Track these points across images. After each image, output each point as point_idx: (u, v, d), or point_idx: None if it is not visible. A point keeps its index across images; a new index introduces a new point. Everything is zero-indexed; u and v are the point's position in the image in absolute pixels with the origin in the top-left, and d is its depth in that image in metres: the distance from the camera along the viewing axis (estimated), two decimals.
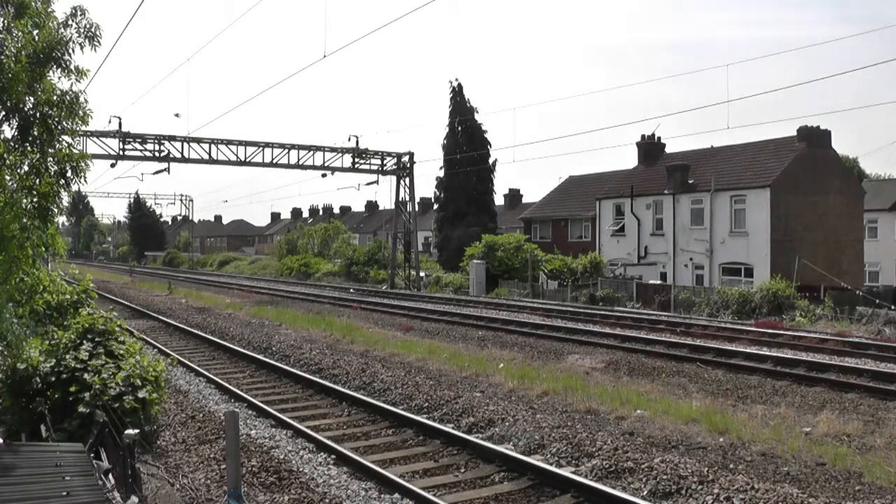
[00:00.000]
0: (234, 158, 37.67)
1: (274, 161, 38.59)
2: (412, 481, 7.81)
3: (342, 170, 40.57)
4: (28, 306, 8.99)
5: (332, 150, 40.02)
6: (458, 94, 50.39)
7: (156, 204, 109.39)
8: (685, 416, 10.38)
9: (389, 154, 41.93)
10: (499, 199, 56.87)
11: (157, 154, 35.89)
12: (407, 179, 42.81)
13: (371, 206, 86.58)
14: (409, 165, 42.54)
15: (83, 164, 7.94)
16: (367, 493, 7.48)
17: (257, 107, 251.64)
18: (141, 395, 8.58)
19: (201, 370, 14.40)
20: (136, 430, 6.81)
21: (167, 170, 37.28)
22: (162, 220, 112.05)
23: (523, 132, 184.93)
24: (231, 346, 17.88)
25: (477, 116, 50.31)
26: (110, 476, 6.30)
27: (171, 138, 36.02)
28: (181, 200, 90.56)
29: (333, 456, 8.68)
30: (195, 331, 21.09)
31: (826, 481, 7.93)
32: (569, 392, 12.17)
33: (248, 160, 37.87)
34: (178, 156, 36.25)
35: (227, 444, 6.83)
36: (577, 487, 7.46)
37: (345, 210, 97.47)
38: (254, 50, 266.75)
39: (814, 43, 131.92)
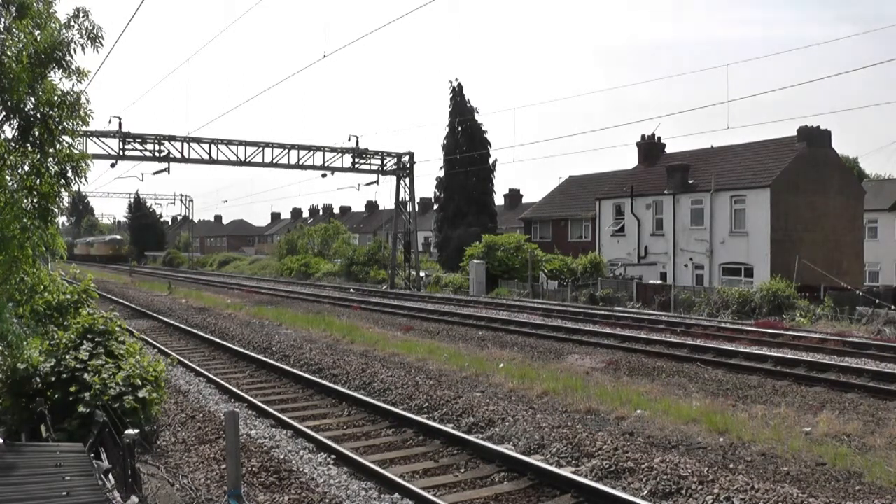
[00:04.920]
0: (234, 158, 37.67)
1: (274, 161, 38.59)
2: (412, 481, 7.82)
3: (342, 170, 40.58)
4: (28, 306, 8.99)
5: (332, 150, 40.03)
6: (458, 94, 50.43)
7: (156, 204, 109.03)
8: (685, 416, 10.39)
9: (389, 154, 41.93)
10: (499, 199, 56.97)
11: (157, 154, 35.89)
12: (407, 179, 42.81)
13: (371, 206, 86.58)
14: (409, 165, 42.54)
15: (83, 164, 7.94)
16: (367, 493, 7.48)
17: (257, 107, 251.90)
18: (141, 395, 8.59)
19: (201, 370, 14.41)
20: (136, 430, 6.83)
21: (167, 170, 37.30)
22: (162, 220, 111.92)
23: (523, 132, 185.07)
24: (231, 346, 17.88)
25: (477, 116, 50.44)
26: (110, 476, 6.31)
27: (171, 138, 36.02)
28: (181, 200, 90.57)
29: (333, 456, 8.69)
30: (195, 331, 21.09)
31: (826, 481, 7.94)
32: (569, 392, 12.18)
33: (248, 160, 37.86)
34: (178, 156, 36.25)
35: (227, 444, 6.84)
36: (577, 487, 7.46)
37: (345, 210, 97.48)
38: (254, 50, 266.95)
39: (814, 43, 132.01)
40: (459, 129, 49.78)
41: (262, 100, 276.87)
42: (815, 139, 35.51)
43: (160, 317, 25.22)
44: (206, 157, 37.00)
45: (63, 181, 7.84)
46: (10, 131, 7.61)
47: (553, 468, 8.06)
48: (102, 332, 9.60)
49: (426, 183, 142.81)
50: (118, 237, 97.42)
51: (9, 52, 7.06)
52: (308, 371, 14.50)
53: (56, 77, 7.61)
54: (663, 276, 36.94)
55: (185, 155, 36.42)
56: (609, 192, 43.16)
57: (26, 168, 7.74)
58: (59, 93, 7.59)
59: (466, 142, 49.40)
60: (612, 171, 47.17)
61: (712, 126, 57.67)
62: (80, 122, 7.82)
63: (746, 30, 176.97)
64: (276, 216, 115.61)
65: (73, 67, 7.65)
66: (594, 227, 43.75)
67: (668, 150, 44.02)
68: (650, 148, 43.38)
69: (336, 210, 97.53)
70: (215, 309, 28.56)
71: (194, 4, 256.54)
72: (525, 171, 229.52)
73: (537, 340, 19.29)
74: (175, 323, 23.17)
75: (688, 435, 9.69)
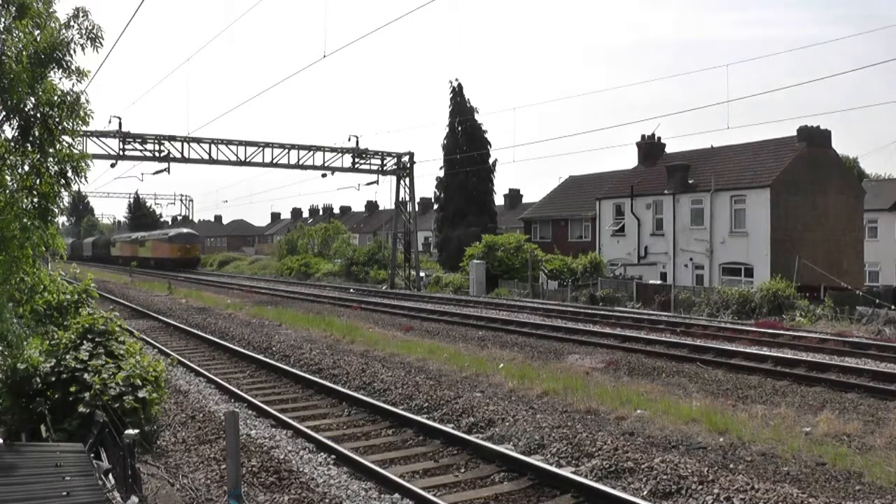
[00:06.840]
0: (234, 158, 37.68)
1: (274, 161, 38.60)
2: (412, 481, 7.82)
3: (342, 170, 40.58)
4: (28, 306, 9.00)
5: (332, 150, 40.04)
6: (458, 94, 50.42)
7: (156, 204, 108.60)
8: (685, 416, 10.38)
9: (389, 154, 41.94)
10: (499, 199, 56.94)
11: (157, 154, 35.90)
12: (407, 179, 42.81)
13: (371, 206, 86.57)
14: (409, 165, 42.54)
15: (83, 164, 7.94)
16: (367, 493, 7.48)
17: (257, 107, 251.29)
18: (141, 395, 8.58)
19: (201, 370, 14.41)
20: (136, 430, 6.83)
21: (167, 170, 37.30)
22: (162, 220, 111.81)
23: (523, 132, 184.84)
24: (231, 346, 17.88)
25: (477, 116, 50.41)
26: (110, 476, 6.31)
27: (171, 138, 36.03)
28: (181, 200, 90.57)
29: (333, 456, 8.68)
30: (195, 331, 21.09)
31: (826, 481, 7.94)
32: (569, 392, 12.17)
33: (248, 160, 37.88)
34: (178, 156, 36.25)
35: (227, 444, 6.84)
36: (578, 487, 7.46)
37: (345, 210, 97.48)
38: (254, 50, 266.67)
39: (814, 43, 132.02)
40: (459, 129, 49.78)
41: (262, 100, 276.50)
42: (815, 139, 35.49)
43: (160, 317, 25.21)
44: (206, 157, 37.01)
45: (63, 181, 7.85)
46: (10, 131, 7.62)
47: (553, 468, 8.06)
48: (102, 332, 9.61)
49: (426, 183, 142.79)
50: (185, 230, 67.43)
51: (9, 52, 7.06)
52: (308, 371, 14.49)
53: (56, 77, 7.62)
54: (663, 276, 36.93)
55: (185, 155, 36.42)
56: (609, 192, 43.15)
57: (26, 168, 7.75)
58: (59, 93, 7.60)
59: (466, 142, 49.40)
60: (612, 171, 47.14)
61: (712, 126, 57.70)
62: (80, 122, 7.82)
63: (746, 30, 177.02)
64: (276, 216, 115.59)
65: (73, 67, 7.66)
66: (594, 227, 43.75)
67: (668, 150, 44.01)
68: (650, 148, 43.38)
69: (336, 210, 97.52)
70: (215, 309, 28.55)
71: (194, 4, 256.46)
72: (525, 171, 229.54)
73: (537, 340, 19.28)
74: (175, 323, 23.17)
75: (688, 435, 9.68)
